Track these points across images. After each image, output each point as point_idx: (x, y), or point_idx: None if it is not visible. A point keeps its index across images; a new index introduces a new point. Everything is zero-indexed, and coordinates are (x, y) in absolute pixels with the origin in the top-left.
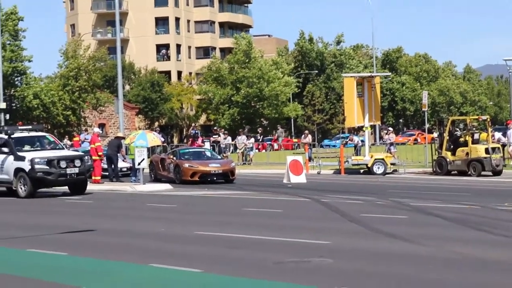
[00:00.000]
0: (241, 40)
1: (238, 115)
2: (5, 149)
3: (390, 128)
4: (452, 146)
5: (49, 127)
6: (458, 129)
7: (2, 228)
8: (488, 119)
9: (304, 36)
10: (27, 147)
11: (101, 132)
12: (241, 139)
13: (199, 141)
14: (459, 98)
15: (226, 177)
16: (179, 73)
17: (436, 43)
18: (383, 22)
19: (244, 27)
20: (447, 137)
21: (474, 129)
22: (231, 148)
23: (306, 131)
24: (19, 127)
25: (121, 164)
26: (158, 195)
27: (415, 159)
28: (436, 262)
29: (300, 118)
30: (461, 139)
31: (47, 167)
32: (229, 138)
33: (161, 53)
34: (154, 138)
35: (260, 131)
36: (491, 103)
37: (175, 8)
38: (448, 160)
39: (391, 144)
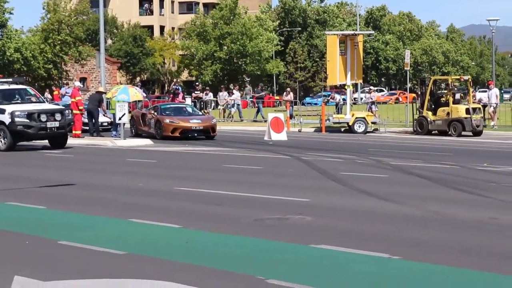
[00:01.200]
0: None
1: (220, 72)
2: None
3: (372, 87)
4: (433, 106)
5: (30, 80)
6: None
7: None
8: (470, 79)
9: None
10: (7, 100)
11: (82, 86)
12: (223, 96)
13: (180, 97)
14: (442, 58)
15: (207, 134)
16: (162, 28)
17: (420, 1)
18: None
19: None
20: (429, 97)
21: (455, 89)
22: (213, 104)
23: (288, 89)
24: (0, 80)
25: (102, 118)
26: (138, 150)
27: (396, 119)
28: (415, 221)
29: (282, 75)
30: (442, 99)
31: (28, 120)
32: (211, 94)
33: (144, 7)
34: (136, 93)
35: (232, 87)
36: (473, 63)
37: None
38: (429, 119)
39: (373, 103)
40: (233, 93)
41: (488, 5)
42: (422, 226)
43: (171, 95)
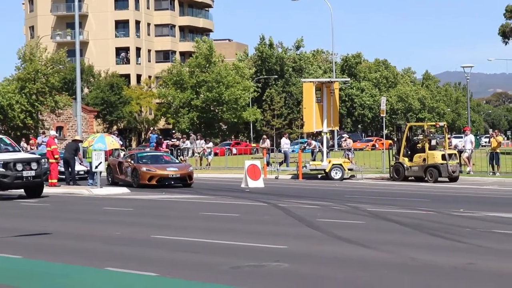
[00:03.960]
0: (202, 44)
1: (197, 119)
2: None
3: (345, 135)
4: (409, 152)
5: (6, 129)
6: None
7: None
8: (445, 126)
9: (265, 41)
10: None
11: (57, 135)
12: (200, 143)
13: (164, 146)
14: (418, 104)
15: (184, 181)
16: (139, 77)
17: (396, 49)
18: (343, 28)
19: (205, 31)
20: (405, 143)
21: (431, 135)
22: (189, 152)
23: (265, 136)
24: None
25: (78, 167)
26: (115, 198)
27: (373, 165)
28: (391, 267)
29: (259, 122)
30: (419, 145)
31: (3, 169)
32: (188, 142)
33: (120, 56)
34: (113, 141)
35: (198, 136)
36: (449, 109)
37: (136, 11)
38: (405, 166)
39: (349, 149)
40: (210, 141)
41: (463, 52)
42: (398, 272)
43: (155, 144)
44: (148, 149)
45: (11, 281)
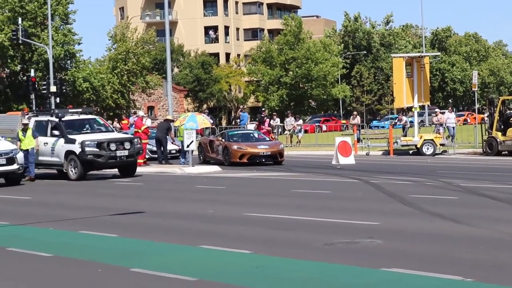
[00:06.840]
0: (290, 21)
1: (286, 97)
2: (56, 132)
3: (437, 110)
4: (502, 126)
5: (99, 110)
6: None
7: (53, 210)
8: None
9: (349, 16)
10: (77, 130)
11: (145, 115)
12: (290, 121)
13: (266, 124)
14: (510, 78)
15: (275, 159)
16: (228, 55)
17: (487, 22)
18: (432, 1)
19: (293, 8)
20: (498, 117)
21: None
22: (280, 129)
23: (355, 112)
24: (70, 110)
25: (170, 146)
26: (207, 177)
27: (465, 140)
28: (487, 243)
29: (348, 99)
30: None
31: (97, 149)
32: (278, 119)
33: (209, 35)
34: (204, 120)
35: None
36: None
37: None
38: (498, 140)
39: (440, 124)
40: (299, 118)
41: None
42: (494, 248)
43: (257, 122)
44: (251, 127)
45: (106, 259)
